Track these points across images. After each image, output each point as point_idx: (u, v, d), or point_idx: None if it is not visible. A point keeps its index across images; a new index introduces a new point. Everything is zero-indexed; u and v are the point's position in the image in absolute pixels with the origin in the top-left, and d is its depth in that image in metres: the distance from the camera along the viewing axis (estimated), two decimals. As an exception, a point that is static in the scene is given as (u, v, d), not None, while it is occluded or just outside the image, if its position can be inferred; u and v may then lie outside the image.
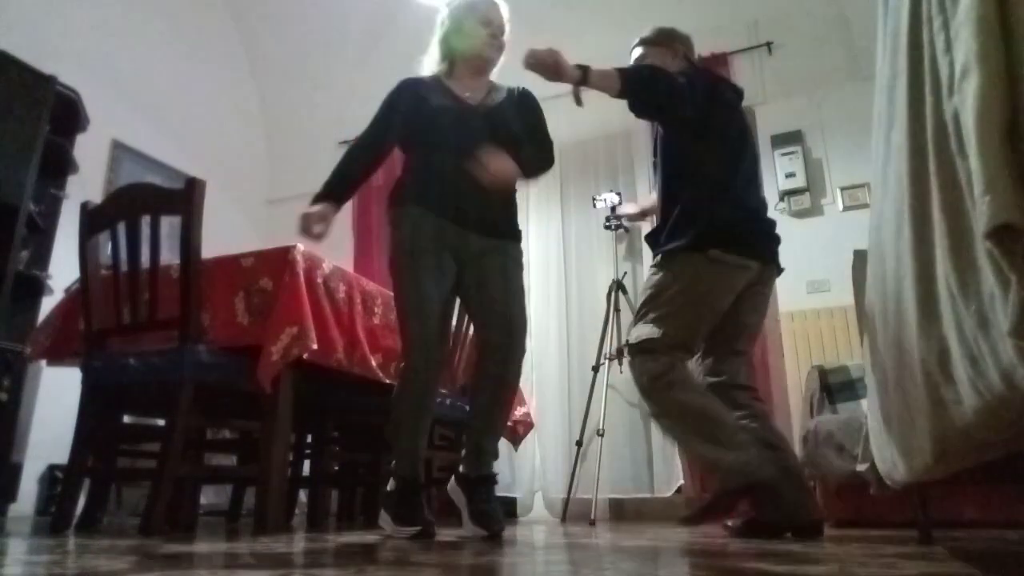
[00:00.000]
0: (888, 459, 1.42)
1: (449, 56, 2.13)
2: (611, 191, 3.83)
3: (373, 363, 2.28)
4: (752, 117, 4.05)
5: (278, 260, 2.02)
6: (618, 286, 3.65)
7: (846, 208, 3.72)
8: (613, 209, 3.75)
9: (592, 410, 3.45)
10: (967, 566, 1.11)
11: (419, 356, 1.87)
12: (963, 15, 0.67)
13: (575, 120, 3.45)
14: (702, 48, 4.06)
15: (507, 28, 2.13)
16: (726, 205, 2.06)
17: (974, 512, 2.42)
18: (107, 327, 2.08)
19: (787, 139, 3.87)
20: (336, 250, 4.50)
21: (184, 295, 1.92)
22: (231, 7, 5.16)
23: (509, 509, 3.82)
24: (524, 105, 2.14)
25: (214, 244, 2.09)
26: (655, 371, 2.01)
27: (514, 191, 2.06)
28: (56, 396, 3.18)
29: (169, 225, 2.04)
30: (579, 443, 3.46)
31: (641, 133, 4.03)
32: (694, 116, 2.06)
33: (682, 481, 3.62)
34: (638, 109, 2.08)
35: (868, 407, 1.68)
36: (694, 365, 2.20)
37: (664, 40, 2.43)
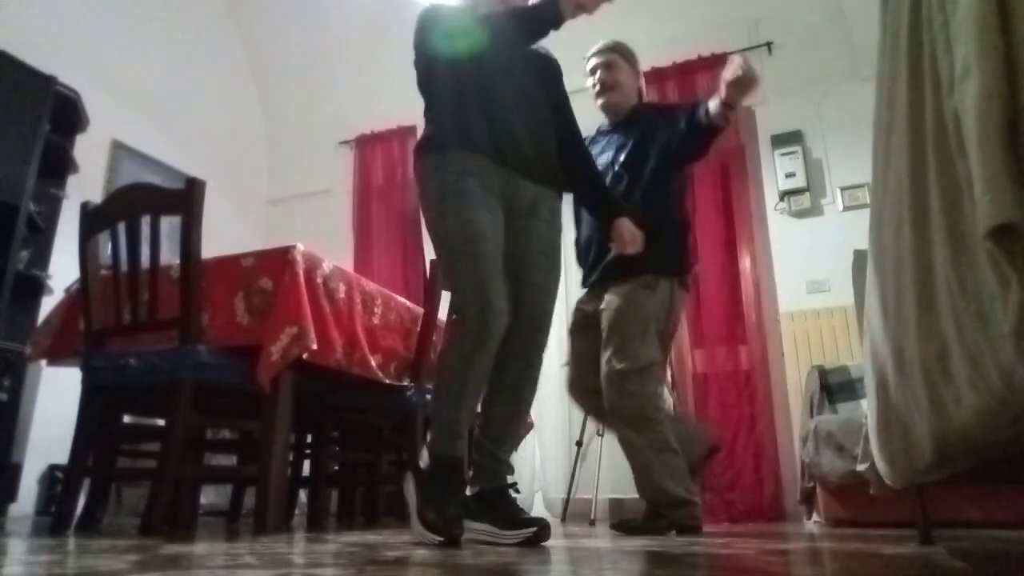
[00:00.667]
0: (888, 459, 1.42)
1: None
2: (611, 191, 3.84)
3: (373, 363, 2.28)
4: (752, 117, 4.05)
5: (278, 260, 2.02)
6: (618, 286, 3.65)
7: (846, 208, 3.72)
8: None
9: (592, 410, 3.44)
10: (967, 566, 1.11)
11: (477, 305, 1.59)
12: (963, 15, 0.66)
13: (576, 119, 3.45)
14: (702, 48, 4.07)
15: None
16: (690, 237, 2.38)
17: (974, 512, 2.42)
18: (107, 327, 2.08)
19: (787, 139, 3.87)
20: (336, 250, 4.50)
21: (184, 295, 1.92)
22: (231, 8, 5.16)
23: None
24: (552, 69, 2.00)
25: (214, 244, 2.09)
26: (655, 396, 2.10)
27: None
28: (56, 396, 3.18)
29: (169, 225, 2.04)
30: (579, 443, 3.46)
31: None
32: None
33: (682, 481, 3.63)
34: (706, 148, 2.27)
35: (868, 407, 1.68)
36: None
37: (634, 60, 2.51)
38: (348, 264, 4.63)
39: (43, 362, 2.62)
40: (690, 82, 4.10)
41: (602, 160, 2.35)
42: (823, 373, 3.14)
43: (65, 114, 3.50)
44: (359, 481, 3.14)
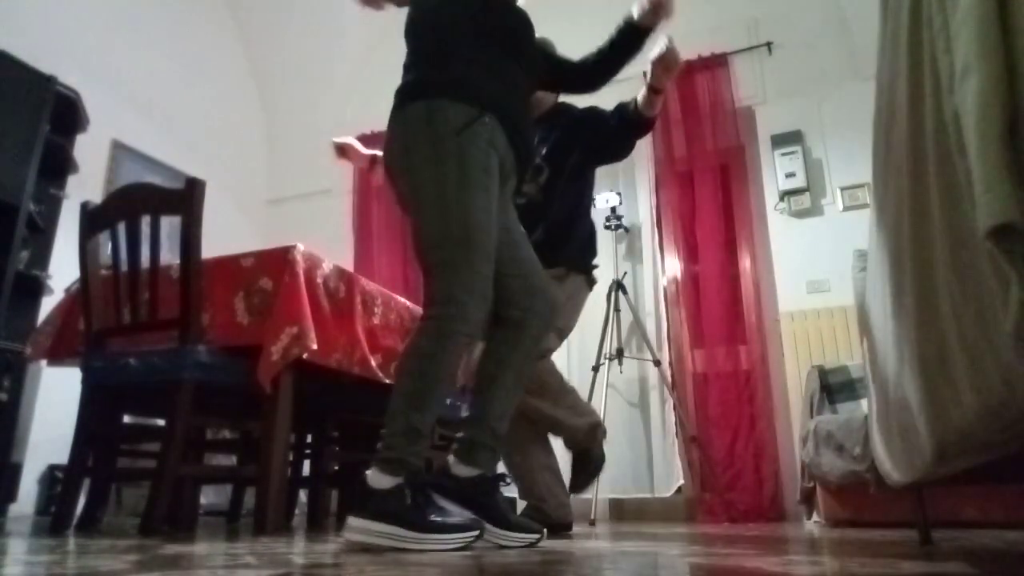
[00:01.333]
0: (888, 459, 1.42)
1: None
2: (611, 191, 3.84)
3: (373, 363, 2.28)
4: (752, 117, 4.06)
5: (278, 260, 2.02)
6: (618, 286, 3.65)
7: (846, 208, 3.72)
8: (613, 209, 3.76)
9: (592, 410, 3.44)
10: (967, 566, 1.11)
11: (482, 303, 1.50)
12: (963, 15, 0.66)
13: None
14: (702, 48, 4.07)
15: None
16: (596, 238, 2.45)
17: (974, 512, 2.42)
18: (107, 327, 2.08)
19: (787, 139, 3.87)
20: (336, 250, 4.50)
21: (184, 295, 1.92)
22: (231, 8, 5.16)
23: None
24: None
25: (214, 244, 2.10)
26: (546, 386, 2.23)
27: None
28: (56, 396, 3.18)
29: (169, 225, 2.04)
30: (579, 443, 3.46)
31: (641, 133, 4.04)
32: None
33: (682, 481, 3.63)
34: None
35: (869, 407, 1.68)
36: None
37: None
38: (348, 264, 4.64)
39: (43, 362, 2.62)
40: (690, 82, 4.10)
41: None
42: (823, 373, 3.14)
43: (65, 114, 3.50)
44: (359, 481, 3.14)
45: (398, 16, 1.80)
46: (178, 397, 1.88)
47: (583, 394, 3.59)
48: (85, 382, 2.06)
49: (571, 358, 4.03)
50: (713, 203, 3.94)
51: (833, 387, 3.09)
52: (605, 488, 3.56)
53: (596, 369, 3.49)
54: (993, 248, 0.61)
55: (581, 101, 2.30)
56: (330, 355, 2.07)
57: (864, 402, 2.86)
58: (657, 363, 3.57)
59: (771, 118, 3.98)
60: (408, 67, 1.69)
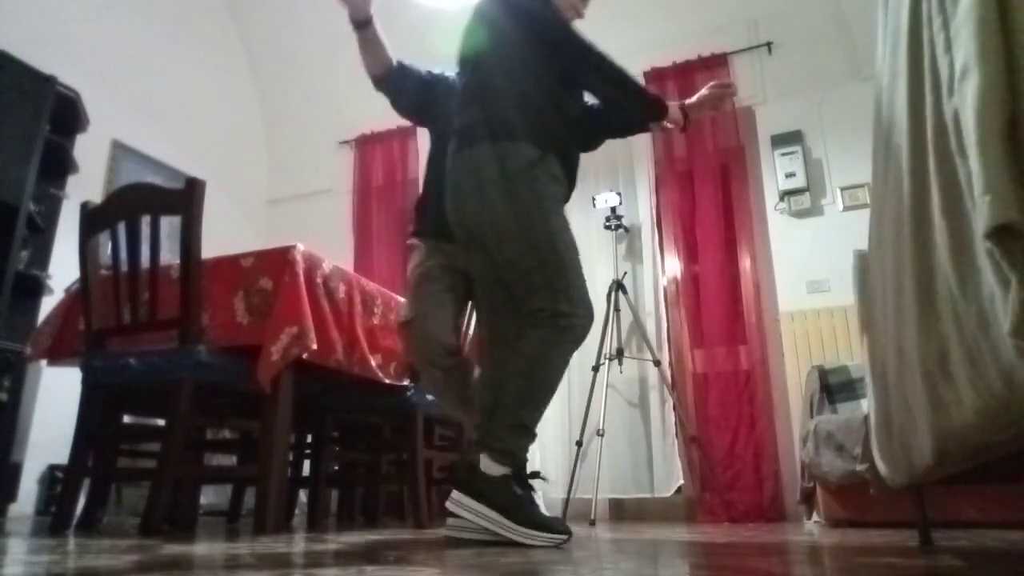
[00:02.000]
0: (888, 459, 1.42)
1: None
2: (611, 191, 3.84)
3: (373, 363, 2.28)
4: (752, 117, 4.06)
5: (278, 260, 2.02)
6: (618, 286, 3.65)
7: (846, 208, 3.72)
8: (613, 209, 3.76)
9: (592, 410, 3.45)
10: (967, 566, 1.11)
11: (588, 312, 1.71)
12: (963, 15, 0.66)
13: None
14: (702, 48, 4.08)
15: None
16: None
17: (974, 512, 2.42)
18: (107, 327, 2.08)
19: (787, 139, 3.87)
20: (336, 250, 4.50)
21: (184, 295, 1.92)
22: (231, 7, 5.16)
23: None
24: None
25: (214, 244, 2.10)
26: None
27: None
28: (56, 396, 3.18)
29: (169, 225, 2.04)
30: (579, 443, 3.46)
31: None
32: None
33: (682, 481, 3.63)
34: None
35: (868, 407, 1.69)
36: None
37: None
38: (348, 264, 4.63)
39: (43, 362, 2.62)
40: (690, 82, 4.09)
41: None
42: (823, 373, 3.14)
43: (65, 114, 3.50)
44: (359, 481, 3.14)
45: (398, 16, 1.80)
46: (178, 397, 1.88)
47: (583, 394, 3.60)
48: (85, 382, 2.06)
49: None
50: (713, 203, 3.94)
51: (833, 387, 3.09)
52: (605, 488, 3.57)
53: (596, 369, 3.49)
54: (993, 248, 0.61)
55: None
56: (330, 355, 2.07)
57: (864, 402, 2.86)
58: (657, 363, 3.57)
59: (771, 118, 3.98)
60: (470, 104, 1.77)
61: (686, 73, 4.12)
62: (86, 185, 3.73)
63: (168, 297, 1.96)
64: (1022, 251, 0.59)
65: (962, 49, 0.66)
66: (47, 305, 2.99)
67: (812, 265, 3.67)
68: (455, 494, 1.56)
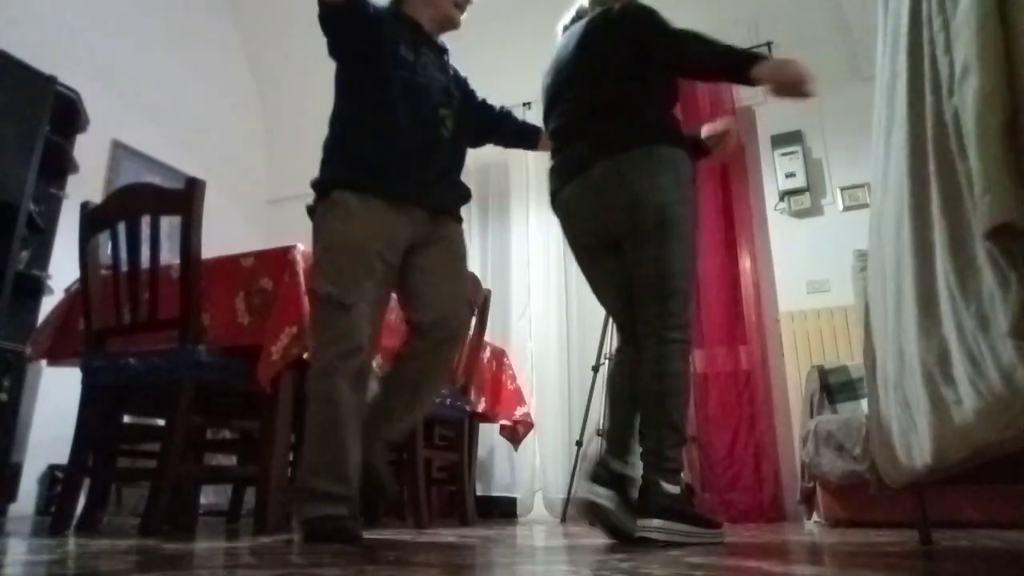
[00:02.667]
0: (888, 459, 1.42)
1: None
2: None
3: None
4: (752, 117, 4.06)
5: (278, 260, 2.02)
6: (618, 286, 3.65)
7: (846, 208, 3.72)
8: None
9: (592, 410, 3.44)
10: (967, 566, 1.11)
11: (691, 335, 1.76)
12: (963, 15, 0.66)
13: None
14: (702, 48, 4.07)
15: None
16: None
17: (974, 512, 2.42)
18: (107, 327, 2.08)
19: (787, 139, 3.87)
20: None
21: (184, 295, 1.92)
22: (231, 8, 5.16)
23: (509, 509, 3.82)
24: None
25: (214, 244, 2.09)
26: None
27: None
28: (56, 396, 3.18)
29: (169, 225, 2.04)
30: (579, 443, 3.46)
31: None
32: None
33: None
34: None
35: (868, 407, 1.69)
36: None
37: None
38: (348, 264, 4.62)
39: (43, 362, 2.62)
40: (690, 82, 4.10)
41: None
42: (823, 373, 3.14)
43: (65, 114, 3.50)
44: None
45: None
46: (178, 397, 1.88)
47: (583, 394, 3.60)
48: (85, 382, 2.06)
49: (571, 358, 4.03)
50: (713, 203, 3.94)
51: (833, 387, 3.09)
52: (605, 488, 3.56)
53: (596, 369, 3.49)
54: (993, 248, 0.61)
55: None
56: (330, 355, 2.06)
57: (864, 402, 2.86)
58: (657, 363, 3.57)
59: (771, 118, 3.98)
60: (624, 106, 1.80)
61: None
62: (86, 185, 3.73)
63: (168, 297, 1.96)
64: (1021, 251, 0.59)
65: (962, 49, 0.66)
66: (47, 305, 2.99)
67: (812, 265, 3.67)
68: (643, 522, 1.56)
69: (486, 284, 3.33)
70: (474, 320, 2.69)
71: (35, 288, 3.29)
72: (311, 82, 5.24)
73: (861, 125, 3.67)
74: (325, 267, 1.69)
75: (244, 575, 0.92)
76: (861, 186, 3.66)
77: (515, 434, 3.23)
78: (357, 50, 1.88)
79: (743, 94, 4.06)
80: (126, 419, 2.46)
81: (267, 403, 1.99)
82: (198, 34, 4.89)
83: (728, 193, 4.01)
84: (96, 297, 2.11)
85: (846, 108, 3.78)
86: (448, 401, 2.61)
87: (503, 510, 3.79)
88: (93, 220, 2.13)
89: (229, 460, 3.06)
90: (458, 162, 1.96)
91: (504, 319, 4.16)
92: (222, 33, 5.12)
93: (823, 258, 3.62)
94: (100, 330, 2.08)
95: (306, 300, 1.96)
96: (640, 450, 1.67)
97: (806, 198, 3.79)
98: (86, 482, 2.17)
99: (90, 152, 3.81)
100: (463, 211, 1.97)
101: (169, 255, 2.10)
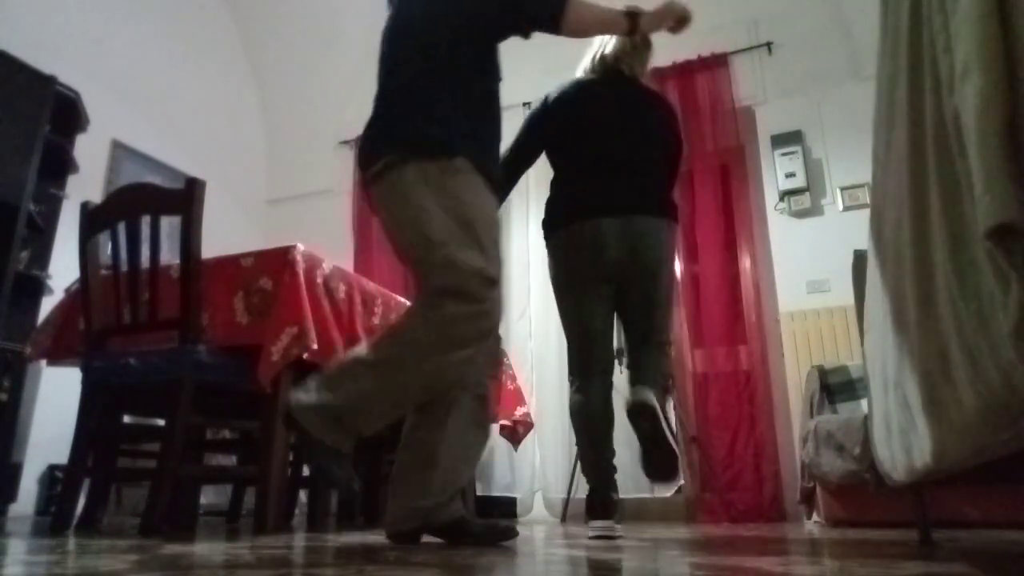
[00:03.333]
0: (888, 459, 1.42)
1: None
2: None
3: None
4: (752, 117, 4.06)
5: (278, 260, 2.02)
6: (618, 286, 3.65)
7: (846, 208, 3.72)
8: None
9: (592, 410, 3.44)
10: (967, 566, 1.11)
11: None
12: (963, 15, 0.66)
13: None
14: (702, 48, 4.07)
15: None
16: None
17: (974, 512, 2.42)
18: (107, 327, 2.08)
19: (787, 139, 3.87)
20: (336, 250, 4.50)
21: (184, 295, 1.92)
22: (231, 7, 5.16)
23: (509, 509, 3.82)
24: None
25: (214, 244, 2.09)
26: None
27: None
28: (56, 396, 3.18)
29: (169, 225, 2.04)
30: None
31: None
32: None
33: (682, 481, 3.63)
34: None
35: (868, 407, 1.69)
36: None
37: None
38: (348, 264, 4.63)
39: (43, 362, 2.62)
40: (690, 82, 4.10)
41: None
42: (823, 373, 3.14)
43: (65, 114, 3.50)
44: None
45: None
46: (178, 397, 1.88)
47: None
48: (85, 382, 2.06)
49: (571, 358, 4.02)
50: (713, 203, 3.94)
51: (833, 387, 3.09)
52: (605, 488, 3.56)
53: (596, 369, 3.49)
54: (993, 248, 0.61)
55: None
56: (330, 355, 2.06)
57: (864, 402, 2.86)
58: (657, 363, 3.57)
59: (771, 118, 3.98)
60: (665, 183, 2.29)
61: (686, 73, 4.12)
62: (86, 185, 3.73)
63: (168, 297, 1.96)
64: (1022, 251, 0.59)
65: (962, 49, 0.66)
66: (47, 305, 2.99)
67: (812, 265, 3.67)
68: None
69: (486, 284, 3.32)
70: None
71: (35, 288, 3.30)
72: (311, 82, 5.25)
73: (861, 125, 3.67)
74: (466, 238, 1.52)
75: (244, 575, 0.92)
76: (861, 186, 3.66)
77: (515, 434, 3.22)
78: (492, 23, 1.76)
79: (743, 93, 4.06)
80: (126, 419, 2.47)
81: (267, 403, 1.99)
82: (198, 34, 4.89)
83: (728, 193, 4.01)
84: (96, 297, 2.11)
85: (846, 108, 3.78)
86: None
87: (503, 510, 3.79)
88: (93, 220, 2.13)
89: (229, 460, 3.06)
90: None
91: (504, 319, 4.16)
92: (222, 33, 5.12)
93: (823, 258, 3.62)
94: (100, 330, 2.08)
95: (306, 300, 1.96)
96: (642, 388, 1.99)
97: (806, 198, 3.79)
98: (86, 482, 2.17)
99: (90, 152, 3.81)
100: None
101: (169, 255, 2.10)
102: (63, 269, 3.26)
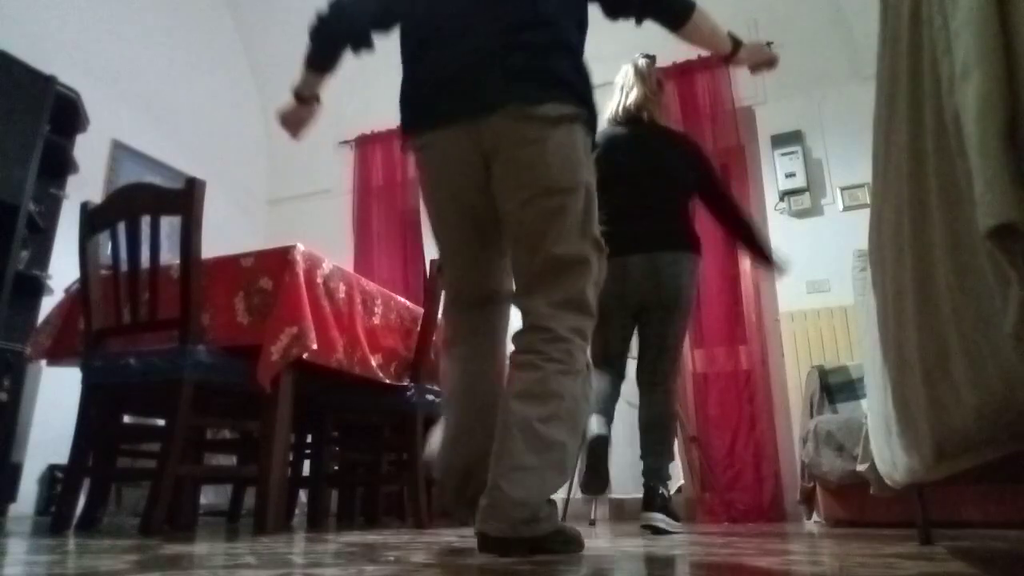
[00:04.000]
0: (888, 459, 1.42)
1: None
2: (611, 191, 3.84)
3: (373, 363, 2.28)
4: (752, 117, 4.05)
5: (278, 260, 2.02)
6: (618, 286, 3.65)
7: (846, 208, 3.72)
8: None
9: (592, 410, 3.44)
10: (967, 566, 1.11)
11: None
12: (963, 15, 0.66)
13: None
14: (702, 48, 4.07)
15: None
16: None
17: (974, 512, 2.42)
18: (107, 327, 2.08)
19: (787, 139, 3.87)
20: (336, 250, 4.50)
21: (184, 295, 1.92)
22: (231, 7, 5.16)
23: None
24: None
25: (214, 244, 2.09)
26: None
27: None
28: (56, 396, 3.18)
29: (169, 225, 2.04)
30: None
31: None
32: None
33: (682, 481, 3.63)
34: None
35: (868, 407, 1.69)
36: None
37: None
38: (348, 264, 4.63)
39: (43, 362, 2.62)
40: (690, 82, 4.10)
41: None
42: (823, 373, 3.14)
43: (65, 114, 3.50)
44: (359, 481, 3.14)
45: (398, 16, 1.80)
46: (178, 397, 1.88)
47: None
48: (85, 382, 2.06)
49: (571, 358, 4.02)
50: (713, 203, 3.93)
51: (833, 387, 3.09)
52: (605, 488, 3.56)
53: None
54: (993, 248, 0.61)
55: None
56: (330, 355, 2.07)
57: (864, 402, 2.86)
58: (657, 363, 3.58)
59: (771, 118, 3.98)
60: (686, 218, 2.61)
61: (686, 73, 4.12)
62: (86, 185, 3.73)
63: (168, 297, 1.96)
64: (1022, 251, 0.59)
65: (962, 49, 0.66)
66: (47, 305, 2.99)
67: (812, 265, 3.67)
68: (649, 515, 2.21)
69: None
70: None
71: (35, 288, 3.29)
72: (311, 82, 5.25)
73: (861, 125, 3.67)
74: (594, 211, 1.44)
75: (244, 575, 0.92)
76: (861, 186, 3.66)
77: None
78: None
79: (743, 93, 4.06)
80: (126, 419, 2.47)
81: (267, 403, 1.99)
82: (198, 34, 4.89)
83: (728, 193, 4.00)
84: (96, 297, 2.11)
85: (846, 108, 3.78)
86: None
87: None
88: (93, 220, 2.13)
89: (229, 460, 3.06)
90: None
91: (504, 319, 4.15)
92: (222, 33, 5.12)
93: (823, 258, 3.62)
94: (100, 330, 2.08)
95: (306, 300, 1.96)
96: (645, 464, 2.30)
97: (806, 198, 3.80)
98: (86, 482, 2.17)
99: (90, 152, 3.81)
100: None
101: (169, 255, 2.10)
102: (63, 269, 3.25)
